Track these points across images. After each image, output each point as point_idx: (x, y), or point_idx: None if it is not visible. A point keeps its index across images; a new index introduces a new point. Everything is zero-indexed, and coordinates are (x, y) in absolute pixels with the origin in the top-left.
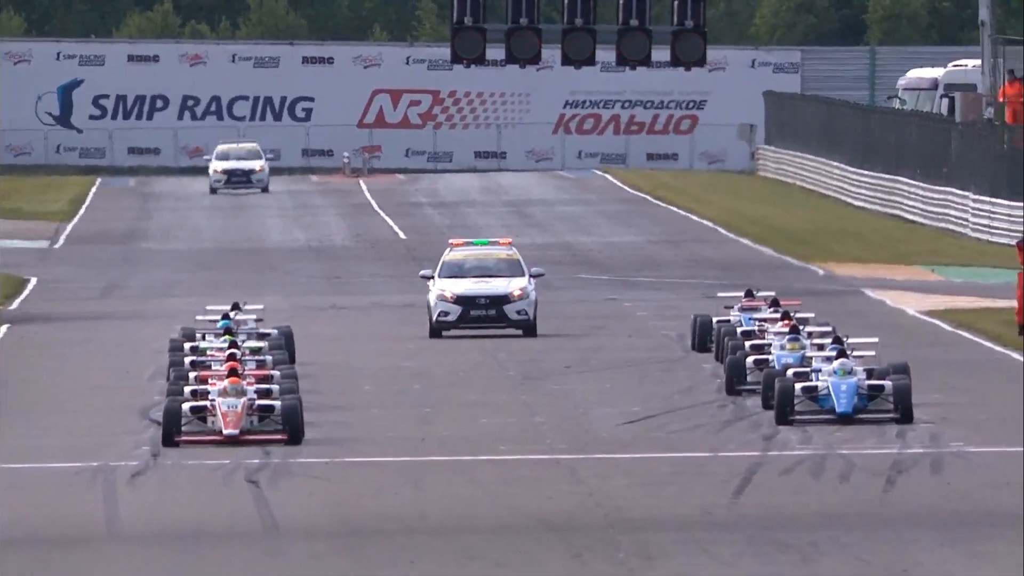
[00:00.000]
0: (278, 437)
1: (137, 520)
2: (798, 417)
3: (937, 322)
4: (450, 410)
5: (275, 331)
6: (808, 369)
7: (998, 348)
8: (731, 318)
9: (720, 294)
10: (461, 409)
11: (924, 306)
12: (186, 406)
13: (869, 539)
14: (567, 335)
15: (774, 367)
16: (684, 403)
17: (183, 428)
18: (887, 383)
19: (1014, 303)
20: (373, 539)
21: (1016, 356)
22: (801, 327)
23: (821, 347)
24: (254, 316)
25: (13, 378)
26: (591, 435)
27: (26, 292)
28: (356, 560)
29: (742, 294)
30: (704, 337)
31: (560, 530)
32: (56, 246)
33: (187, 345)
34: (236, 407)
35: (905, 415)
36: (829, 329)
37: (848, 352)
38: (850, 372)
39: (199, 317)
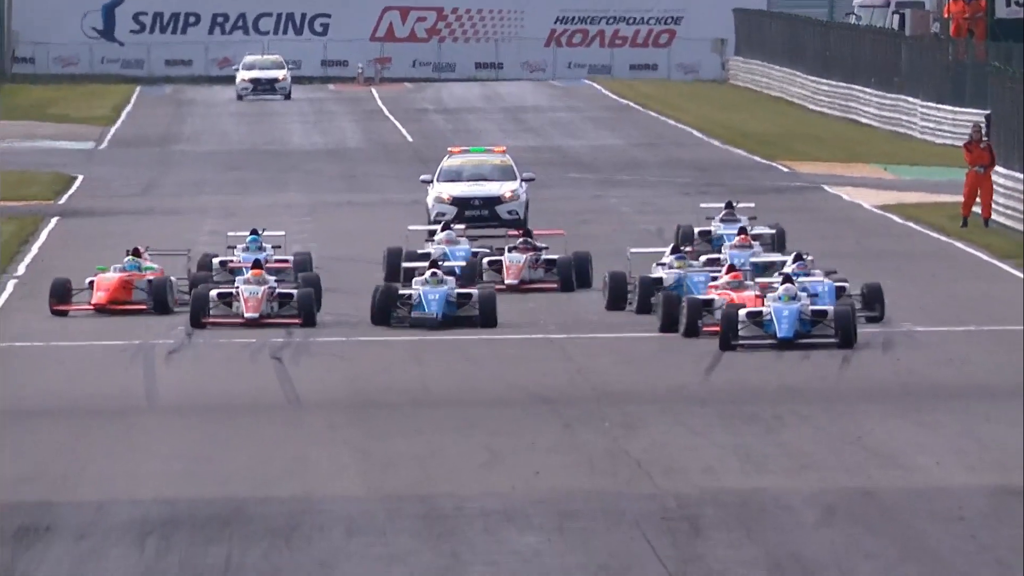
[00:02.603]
0: (294, 321)
1: (173, 393)
2: (741, 342)
3: (889, 215)
4: None
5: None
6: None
7: (943, 239)
8: (712, 228)
9: (702, 205)
10: None
11: (877, 201)
12: (213, 292)
13: (827, 411)
14: (558, 227)
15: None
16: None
17: (211, 312)
18: (829, 308)
19: (958, 198)
20: (384, 410)
21: (959, 245)
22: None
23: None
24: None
25: (62, 266)
26: (580, 318)
27: (73, 189)
28: (369, 429)
29: (723, 205)
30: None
31: (551, 402)
32: (100, 148)
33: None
34: (257, 293)
35: (845, 341)
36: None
37: (797, 275)
38: (794, 298)
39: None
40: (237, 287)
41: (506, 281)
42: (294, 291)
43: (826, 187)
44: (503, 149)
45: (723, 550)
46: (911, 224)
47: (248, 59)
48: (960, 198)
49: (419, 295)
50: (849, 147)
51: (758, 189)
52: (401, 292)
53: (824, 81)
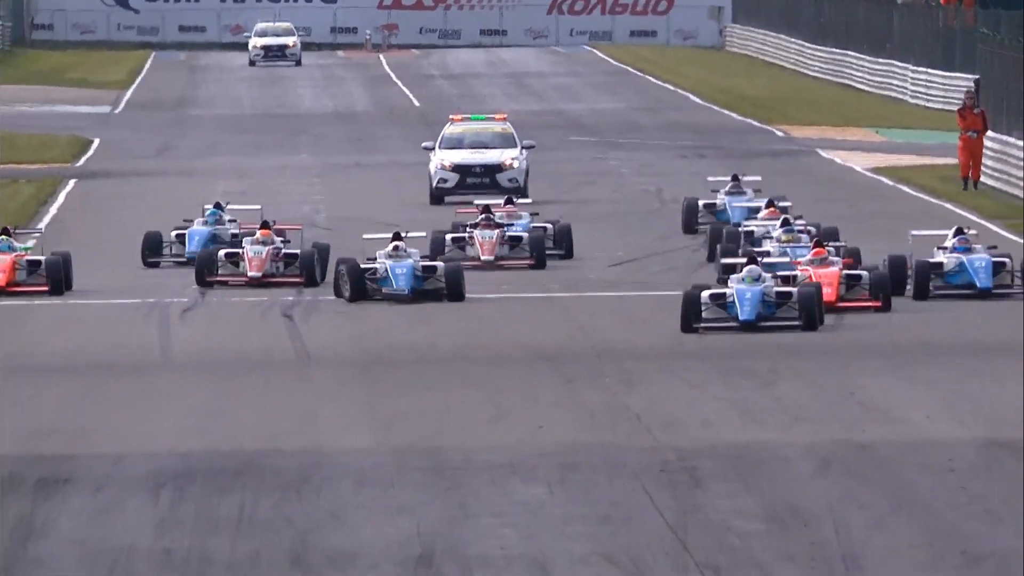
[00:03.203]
0: (296, 280)
1: (187, 350)
2: (702, 325)
3: (881, 178)
4: None
5: None
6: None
7: (933, 200)
8: (717, 202)
9: (709, 178)
10: None
11: (870, 163)
12: (222, 252)
13: (821, 367)
14: (560, 189)
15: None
16: (661, 248)
17: (218, 271)
18: (794, 290)
19: (948, 160)
20: (391, 367)
21: (949, 207)
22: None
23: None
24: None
25: (78, 225)
26: (581, 276)
27: (90, 152)
28: (377, 385)
29: (729, 179)
30: (691, 219)
31: (553, 360)
32: (116, 111)
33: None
34: (261, 253)
35: (809, 323)
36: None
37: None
38: (757, 279)
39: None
40: (244, 247)
41: (481, 258)
42: (298, 251)
43: (820, 151)
44: (504, 116)
45: (721, 501)
46: (901, 186)
47: (260, 26)
48: (951, 161)
49: (385, 269)
50: (842, 111)
51: (754, 153)
52: (365, 266)
53: (818, 47)
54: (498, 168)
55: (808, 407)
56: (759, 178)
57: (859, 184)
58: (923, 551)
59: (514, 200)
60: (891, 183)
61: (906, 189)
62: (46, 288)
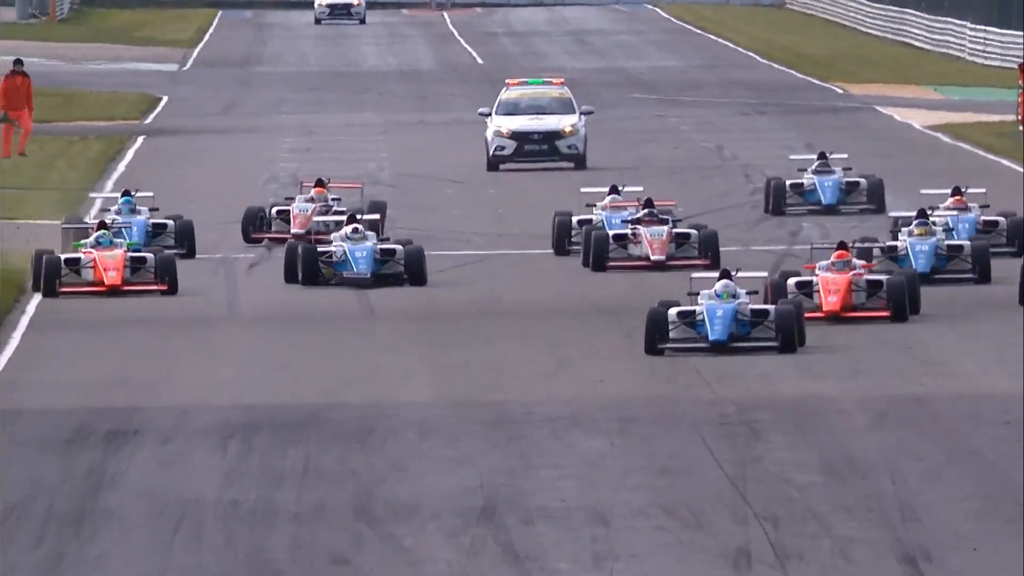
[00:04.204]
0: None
1: (253, 304)
2: (669, 346)
3: (938, 135)
4: (521, 211)
5: None
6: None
7: (991, 157)
8: (804, 181)
9: (792, 157)
10: (530, 210)
11: (927, 121)
12: (274, 209)
13: (878, 320)
14: (621, 147)
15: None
16: (721, 205)
17: (273, 229)
18: (771, 308)
19: (1005, 118)
20: (454, 320)
21: (1006, 163)
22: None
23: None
24: None
25: (147, 181)
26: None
27: (158, 109)
28: (440, 337)
29: (815, 156)
30: (779, 201)
31: (612, 313)
32: (184, 69)
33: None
34: (307, 210)
35: (786, 344)
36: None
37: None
38: (733, 296)
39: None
40: (293, 203)
41: (652, 258)
42: (344, 209)
43: (878, 108)
44: (561, 81)
45: (779, 453)
46: (959, 143)
47: None
48: (1008, 117)
49: (343, 252)
50: (900, 69)
51: (814, 109)
52: (322, 249)
53: (876, 5)
54: (557, 135)
55: (865, 360)
56: (846, 155)
57: (917, 141)
58: (978, 502)
59: (619, 190)
60: (948, 140)
61: (964, 146)
62: (164, 288)
